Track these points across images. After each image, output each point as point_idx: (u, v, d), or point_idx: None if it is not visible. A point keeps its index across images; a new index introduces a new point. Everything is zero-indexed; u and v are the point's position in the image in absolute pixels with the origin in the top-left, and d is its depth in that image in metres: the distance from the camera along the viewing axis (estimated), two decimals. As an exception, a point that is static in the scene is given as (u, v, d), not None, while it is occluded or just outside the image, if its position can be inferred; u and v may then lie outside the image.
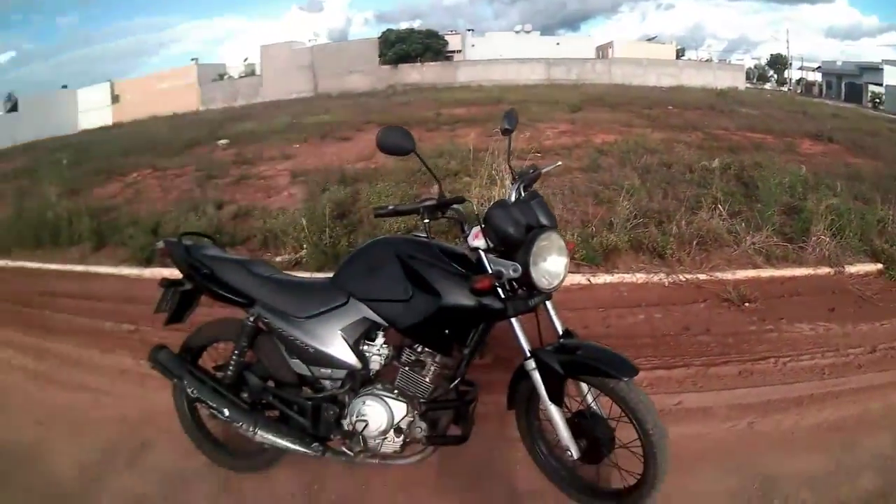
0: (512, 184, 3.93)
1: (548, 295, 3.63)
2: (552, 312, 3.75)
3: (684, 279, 7.57)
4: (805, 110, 29.24)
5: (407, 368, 3.90)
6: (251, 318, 4.17)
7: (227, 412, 4.22)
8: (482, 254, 3.56)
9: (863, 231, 8.49)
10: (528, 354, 3.64)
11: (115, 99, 62.46)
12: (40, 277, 10.72)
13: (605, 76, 52.96)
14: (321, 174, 13.51)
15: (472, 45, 65.31)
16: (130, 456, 5.22)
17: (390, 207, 3.59)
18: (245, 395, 4.37)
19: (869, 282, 7.75)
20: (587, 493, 4.09)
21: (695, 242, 8.16)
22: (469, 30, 69.98)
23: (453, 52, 64.32)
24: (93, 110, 59.49)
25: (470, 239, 3.61)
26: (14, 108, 65.49)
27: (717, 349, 6.05)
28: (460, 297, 3.55)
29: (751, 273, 7.78)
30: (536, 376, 3.63)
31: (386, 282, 3.76)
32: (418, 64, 57.79)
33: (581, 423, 3.75)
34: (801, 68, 76.79)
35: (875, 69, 58.73)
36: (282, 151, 17.88)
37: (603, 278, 7.61)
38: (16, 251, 12.25)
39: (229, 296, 4.22)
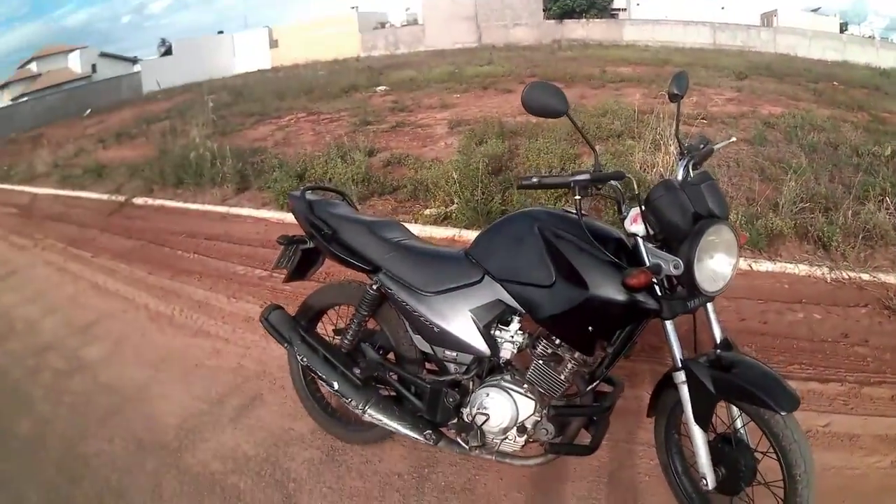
0: (679, 158, 3.35)
1: (709, 297, 3.17)
2: (713, 317, 3.29)
3: (847, 277, 7.06)
4: None
5: (541, 362, 3.52)
6: (374, 286, 3.98)
7: (336, 385, 4.08)
8: (640, 241, 3.12)
9: None
10: (680, 365, 3.22)
11: (273, 44, 63.78)
12: (179, 216, 11.09)
13: (770, 44, 51.00)
14: (480, 125, 13.13)
15: (638, 4, 63.33)
16: (237, 410, 5.24)
17: (534, 179, 3.20)
18: (358, 369, 4.17)
19: None
20: None
21: (860, 237, 7.63)
22: None
23: (618, 10, 62.79)
24: (250, 54, 60.74)
25: (627, 222, 3.17)
26: (168, 52, 67.88)
27: (874, 365, 5.56)
28: (610, 291, 3.11)
29: None
30: (685, 391, 3.21)
31: (527, 262, 3.38)
32: (583, 20, 56.40)
33: (724, 449, 3.33)
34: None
35: None
36: (441, 100, 17.73)
37: (765, 266, 7.18)
38: (157, 190, 12.78)
39: (351, 260, 3.97)
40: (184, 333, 6.70)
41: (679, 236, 3.04)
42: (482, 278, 3.57)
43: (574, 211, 3.24)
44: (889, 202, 8.24)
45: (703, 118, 13.39)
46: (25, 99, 61.67)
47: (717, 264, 3.10)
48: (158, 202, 12.23)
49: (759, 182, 9.45)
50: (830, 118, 15.23)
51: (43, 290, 8.82)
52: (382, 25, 64.99)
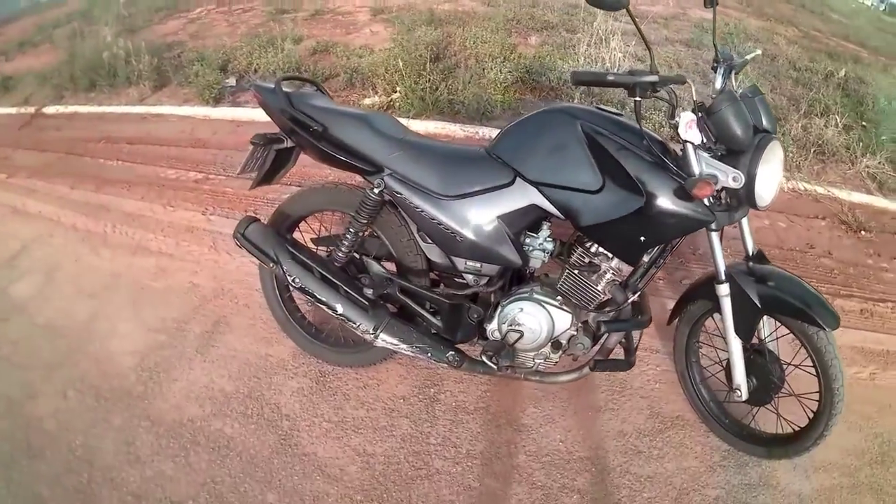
0: (714, 68, 3.12)
1: (753, 210, 3.09)
2: (746, 229, 3.28)
3: (803, 189, 7.15)
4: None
5: (576, 271, 3.32)
6: (376, 190, 3.43)
7: (340, 308, 3.59)
8: (692, 150, 2.94)
9: None
10: (724, 277, 3.19)
11: None
12: (95, 122, 10.33)
13: None
14: (405, 13, 12.65)
15: None
16: (202, 339, 4.77)
17: (591, 70, 3.03)
18: (366, 288, 3.68)
19: None
20: (733, 431, 3.78)
21: (812, 151, 7.70)
22: None
23: None
24: None
25: (681, 128, 2.93)
26: None
27: (841, 279, 5.68)
28: (667, 200, 2.94)
29: (864, 198, 7.28)
30: (727, 304, 3.22)
31: (569, 164, 3.10)
32: None
33: (756, 361, 3.38)
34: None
35: None
36: (353, -14, 16.99)
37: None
38: (69, 97, 11.96)
39: (348, 160, 3.43)
40: (121, 253, 6.09)
41: (740, 148, 2.91)
42: (513, 180, 3.25)
43: (613, 110, 3.15)
44: (838, 120, 8.29)
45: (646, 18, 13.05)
46: None
47: (770, 179, 2.98)
48: (71, 109, 11.39)
49: (705, 87, 9.18)
50: (762, 29, 15.13)
51: None
52: None
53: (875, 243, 6.36)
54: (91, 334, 4.99)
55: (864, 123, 8.88)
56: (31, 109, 12.18)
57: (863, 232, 6.50)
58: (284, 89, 3.57)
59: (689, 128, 2.92)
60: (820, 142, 7.88)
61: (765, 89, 9.29)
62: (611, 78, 2.84)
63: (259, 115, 7.59)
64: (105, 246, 6.28)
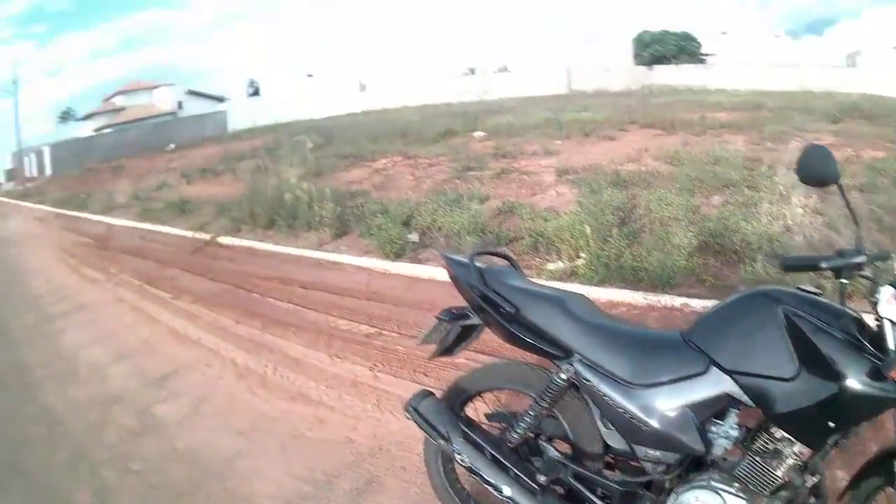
0: None
1: None
2: None
3: None
4: None
5: (758, 458, 2.90)
6: (564, 375, 3.19)
7: (508, 491, 3.31)
8: (889, 327, 2.60)
9: None
10: None
11: (361, 88, 65.92)
12: (270, 260, 10.49)
13: (855, 85, 50.76)
14: (590, 173, 12.47)
15: (723, 48, 64.22)
16: (351, 497, 4.40)
17: (800, 256, 2.87)
18: (538, 472, 3.38)
19: None
20: None
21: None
22: (723, 33, 69.73)
23: (706, 55, 63.69)
24: (337, 98, 62.18)
25: (882, 305, 2.62)
26: (256, 93, 71.98)
27: None
28: (862, 383, 2.58)
29: None
30: None
31: (765, 351, 2.81)
32: (672, 65, 57.14)
33: None
34: None
35: None
36: (543, 147, 16.92)
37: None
38: (246, 230, 12.30)
39: (538, 344, 3.25)
40: (279, 396, 5.89)
41: None
42: (707, 369, 2.96)
43: (811, 290, 2.89)
44: None
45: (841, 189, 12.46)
46: (108, 130, 64.48)
47: None
48: (247, 243, 11.65)
49: (878, 233, 8.60)
50: None
51: (114, 331, 8.26)
52: (472, 71, 66.51)
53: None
54: (231, 470, 4.74)
55: None
56: (207, 237, 12.55)
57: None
58: (477, 265, 3.50)
59: (889, 304, 2.64)
60: None
61: None
62: (824, 265, 2.81)
63: (439, 274, 7.44)
64: (263, 386, 6.11)
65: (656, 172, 11.69)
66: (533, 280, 3.74)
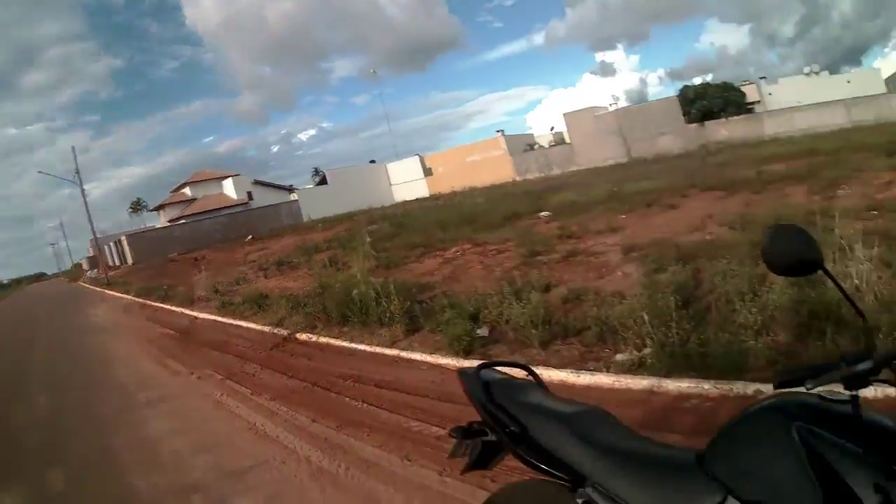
0: None
1: None
2: None
3: None
4: None
5: None
6: (579, 500, 2.90)
7: None
8: None
9: None
10: None
11: (427, 172, 67.31)
12: (346, 357, 10.60)
13: None
14: (653, 249, 12.39)
15: (770, 94, 64.50)
16: None
17: (795, 367, 2.31)
18: None
19: None
20: None
21: None
22: (762, 77, 69.51)
23: (753, 103, 63.54)
24: (406, 182, 62.58)
25: None
26: (323, 182, 72.69)
27: None
28: None
29: None
30: None
31: (783, 481, 2.33)
32: (723, 119, 57.07)
33: None
34: None
35: None
36: (607, 223, 17.07)
37: None
38: (321, 327, 12.45)
39: (547, 469, 3.02)
40: (349, 498, 5.92)
41: None
42: (724, 499, 2.49)
43: (838, 397, 2.35)
44: None
45: (873, 210, 12.26)
46: (183, 221, 67.02)
47: None
48: (323, 340, 11.82)
49: None
50: None
51: (195, 424, 8.54)
52: (531, 147, 67.26)
53: None
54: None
55: None
56: (284, 332, 12.78)
57: None
58: (486, 377, 3.40)
59: None
60: None
61: None
62: (819, 375, 2.28)
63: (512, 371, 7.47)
64: (334, 486, 6.18)
65: (719, 241, 11.55)
66: (556, 395, 3.45)
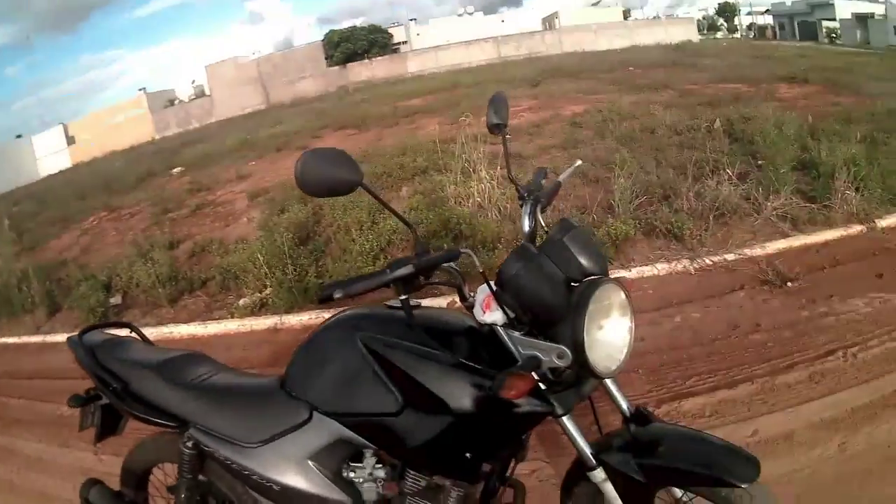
0: (521, 204, 2.63)
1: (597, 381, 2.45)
2: (614, 389, 2.52)
3: (711, 262, 6.72)
4: (768, 54, 29.35)
5: (416, 499, 2.59)
6: (188, 444, 2.94)
7: None
8: (501, 332, 2.31)
9: (883, 178, 7.80)
10: (593, 462, 2.40)
11: (70, 140, 62.95)
12: None
13: (556, 47, 53.30)
14: (278, 191, 12.50)
15: (418, 35, 65.74)
16: None
17: (338, 292, 2.22)
18: None
19: (906, 233, 7.03)
20: None
21: (711, 217, 7.33)
22: (412, 19, 70.56)
23: (399, 44, 64.79)
24: (50, 155, 59.49)
25: (476, 311, 2.37)
26: None
27: (777, 349, 5.13)
28: (480, 406, 2.33)
29: (781, 244, 6.99)
30: (609, 489, 2.41)
31: (358, 388, 2.53)
32: (366, 61, 57.59)
33: None
34: (749, 13, 77.70)
35: (826, 5, 59.06)
36: (237, 171, 16.99)
37: (619, 275, 6.58)
38: None
39: (151, 418, 3.00)
40: (26, 500, 5.60)
41: (554, 316, 2.25)
42: (310, 416, 2.66)
43: (401, 305, 2.36)
44: (730, 173, 8.07)
45: (507, 134, 12.89)
46: None
47: (611, 335, 2.29)
48: None
49: (585, 186, 9.11)
50: (637, 103, 15.36)
51: None
52: (172, 103, 64.91)
53: (806, 290, 5.99)
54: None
55: (759, 163, 8.80)
56: None
57: (789, 283, 6.08)
58: (90, 340, 3.26)
59: (486, 308, 2.35)
60: (716, 204, 7.54)
61: (650, 167, 9.19)
62: (360, 285, 2.23)
63: (156, 333, 7.54)
64: (11, 492, 5.83)
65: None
66: (158, 346, 3.51)
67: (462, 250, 2.42)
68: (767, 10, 74.11)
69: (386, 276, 2.21)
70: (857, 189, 7.55)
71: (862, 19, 53.37)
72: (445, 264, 2.40)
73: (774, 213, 7.41)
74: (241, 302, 8.04)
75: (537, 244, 2.43)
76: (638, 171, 8.99)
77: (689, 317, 5.85)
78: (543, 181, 2.76)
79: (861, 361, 4.84)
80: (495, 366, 2.28)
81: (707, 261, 6.72)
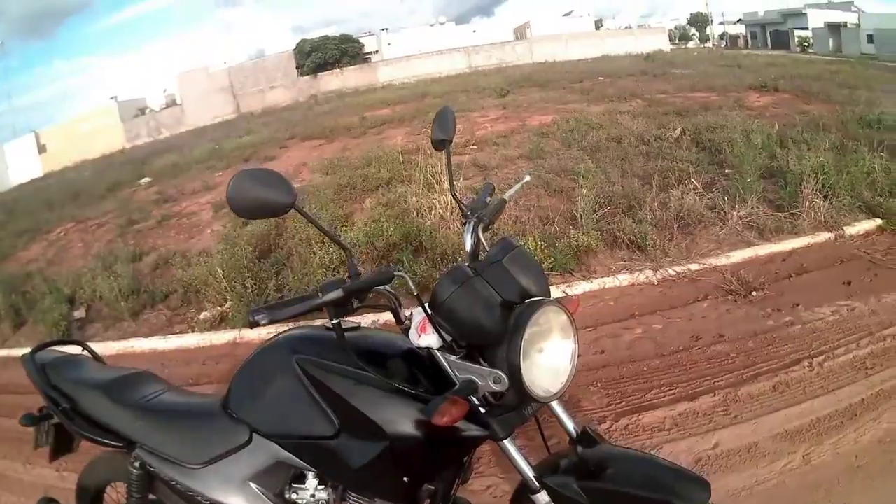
0: (464, 222, 2.59)
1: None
2: (559, 410, 2.42)
3: (675, 273, 6.68)
4: (738, 63, 29.52)
5: None
6: (136, 464, 2.84)
7: None
8: (437, 356, 2.22)
9: (852, 185, 7.79)
10: (536, 486, 2.27)
11: (41, 149, 62.62)
12: None
13: (527, 56, 53.77)
14: None
15: (389, 44, 65.68)
16: None
17: (263, 318, 2.05)
18: None
19: (873, 241, 7.09)
20: None
21: (675, 227, 7.32)
22: (383, 29, 70.40)
23: (370, 53, 64.70)
24: (21, 163, 58.88)
25: (412, 335, 2.28)
26: None
27: (741, 360, 5.10)
28: (416, 429, 2.26)
29: (747, 253, 6.97)
30: None
31: (296, 410, 2.46)
32: (337, 70, 57.77)
33: None
34: (721, 23, 78.54)
35: (798, 14, 59.78)
36: (204, 183, 16.93)
37: (581, 287, 6.61)
38: None
39: (99, 438, 2.92)
40: None
41: (490, 340, 2.16)
42: (250, 438, 2.58)
43: (345, 326, 2.28)
44: (696, 182, 8.05)
45: (473, 144, 13.20)
46: None
47: (551, 357, 2.20)
48: None
49: (549, 197, 9.08)
50: (605, 113, 15.35)
51: None
52: (143, 112, 64.61)
53: (770, 299, 5.95)
54: None
55: (726, 171, 8.82)
56: None
57: (754, 293, 6.04)
58: (42, 359, 3.18)
59: (421, 331, 2.26)
60: (681, 213, 7.55)
61: (615, 176, 9.20)
62: (289, 310, 2.10)
63: (117, 347, 7.66)
64: None
65: (308, 186, 11.75)
66: (108, 365, 3.40)
67: (396, 272, 2.29)
68: (739, 20, 74.78)
69: (315, 301, 2.11)
70: (825, 197, 7.54)
71: (835, 28, 53.77)
72: (380, 287, 2.27)
73: (740, 222, 7.39)
74: (202, 316, 7.96)
75: (478, 264, 2.33)
76: (603, 181, 9.00)
77: (651, 328, 5.79)
78: (488, 199, 2.68)
79: (827, 371, 4.81)
80: (434, 388, 2.24)
81: (670, 271, 6.67)
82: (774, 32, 63.85)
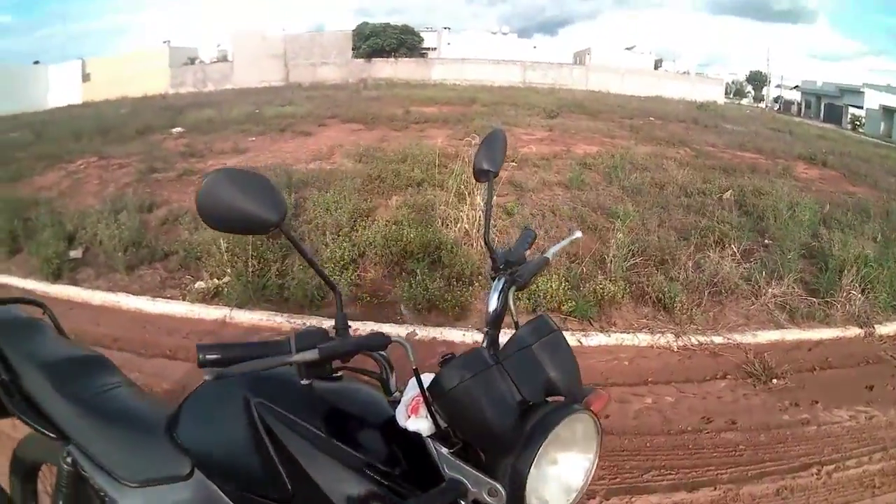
0: (492, 276, 2.13)
1: None
2: None
3: (697, 342, 6.32)
4: (790, 129, 29.19)
5: None
6: (68, 459, 2.49)
7: None
8: (429, 443, 1.81)
9: (891, 282, 7.42)
10: None
11: (85, 77, 62.40)
12: None
13: (582, 82, 53.55)
14: (267, 174, 11.81)
15: (448, 44, 65.43)
16: None
17: (214, 358, 1.63)
18: None
19: (904, 346, 6.72)
20: None
21: (707, 292, 6.95)
22: (445, 27, 70.04)
23: (428, 49, 64.43)
24: (63, 88, 58.89)
25: (400, 413, 1.85)
26: None
27: (749, 453, 4.75)
28: None
29: (774, 335, 6.60)
30: None
31: (246, 460, 2.05)
32: (392, 59, 57.63)
33: None
34: (778, 86, 78.31)
35: (856, 92, 59.61)
36: (235, 144, 16.60)
37: (597, 339, 6.26)
38: None
39: (34, 424, 2.55)
40: None
41: (496, 444, 1.73)
42: (191, 472, 2.16)
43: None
44: (735, 248, 7.63)
45: (513, 161, 12.74)
46: None
47: (564, 471, 1.76)
48: None
49: (582, 233, 8.48)
50: (651, 155, 15.05)
51: None
52: (192, 61, 64.67)
53: (791, 391, 5.60)
54: None
55: (766, 242, 8.52)
56: None
57: (774, 381, 5.69)
58: (2, 317, 2.88)
59: (412, 412, 1.83)
60: (715, 279, 7.17)
61: (652, 225, 8.86)
62: (247, 365, 1.65)
63: (98, 298, 7.37)
64: None
65: (339, 171, 11.43)
66: (66, 338, 3.02)
67: (394, 338, 1.80)
68: (797, 86, 74.80)
69: (286, 358, 1.70)
70: (863, 290, 7.18)
71: (889, 112, 53.32)
72: (374, 352, 2.00)
73: (773, 300, 7.02)
74: (197, 285, 7.63)
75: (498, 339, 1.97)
76: (639, 227, 8.70)
77: (662, 399, 5.44)
78: (527, 251, 2.25)
79: (835, 482, 4.51)
80: (414, 475, 1.87)
81: (693, 339, 6.33)
82: (829, 105, 63.61)
